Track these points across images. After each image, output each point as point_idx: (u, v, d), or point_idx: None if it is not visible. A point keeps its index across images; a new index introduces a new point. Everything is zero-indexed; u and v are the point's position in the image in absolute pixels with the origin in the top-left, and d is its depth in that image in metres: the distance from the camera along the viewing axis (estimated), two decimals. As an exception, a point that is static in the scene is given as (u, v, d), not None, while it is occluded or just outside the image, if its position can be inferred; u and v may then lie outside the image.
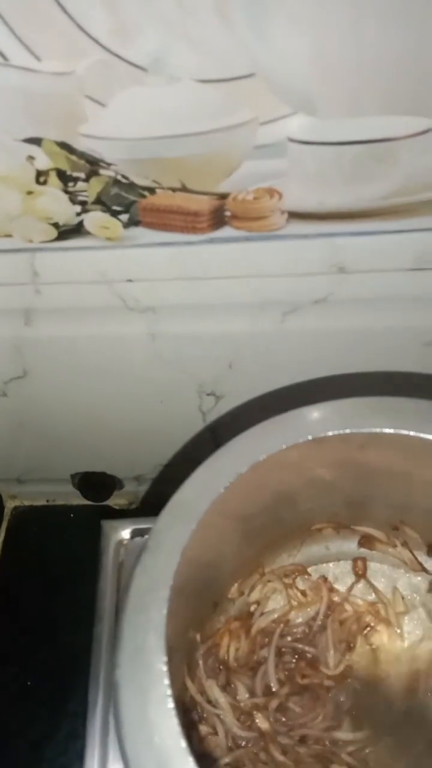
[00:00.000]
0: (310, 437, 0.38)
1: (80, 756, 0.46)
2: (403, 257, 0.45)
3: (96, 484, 0.72)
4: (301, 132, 0.36)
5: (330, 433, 0.38)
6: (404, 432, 0.39)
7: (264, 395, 0.56)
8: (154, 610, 0.33)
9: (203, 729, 0.45)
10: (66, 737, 0.62)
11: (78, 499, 0.74)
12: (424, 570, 0.50)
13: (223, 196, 0.40)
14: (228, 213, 0.41)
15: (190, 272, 0.45)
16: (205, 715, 0.45)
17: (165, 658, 0.31)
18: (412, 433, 0.38)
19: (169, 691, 0.31)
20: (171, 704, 0.30)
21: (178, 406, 0.58)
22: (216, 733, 0.45)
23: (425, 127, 0.37)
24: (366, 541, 0.51)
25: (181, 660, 0.45)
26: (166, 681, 0.31)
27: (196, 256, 0.44)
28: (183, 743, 0.29)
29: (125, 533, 0.54)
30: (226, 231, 0.42)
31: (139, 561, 0.34)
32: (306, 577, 0.51)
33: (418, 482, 0.44)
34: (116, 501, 0.74)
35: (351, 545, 0.52)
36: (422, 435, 0.38)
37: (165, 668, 0.31)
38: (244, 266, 0.45)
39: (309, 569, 0.52)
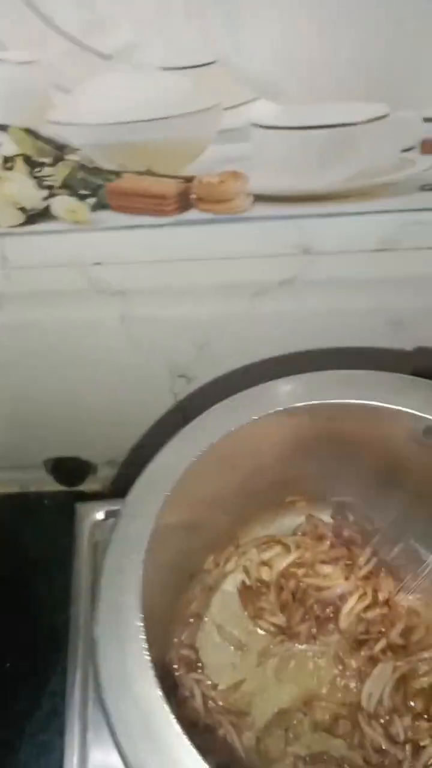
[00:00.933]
0: (280, 408, 0.39)
1: (61, 733, 0.48)
2: (366, 239, 0.46)
3: (69, 469, 0.73)
4: (263, 117, 0.37)
5: (299, 404, 0.39)
6: (372, 403, 0.40)
7: (233, 374, 0.57)
8: (130, 571, 0.34)
9: (181, 694, 0.47)
10: (47, 715, 0.63)
11: (52, 485, 0.74)
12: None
13: (189, 180, 0.41)
14: (194, 196, 0.42)
15: (159, 255, 0.46)
16: (183, 681, 0.47)
17: (141, 615, 0.33)
18: (378, 404, 0.40)
19: (145, 645, 0.32)
20: (147, 657, 0.32)
21: (150, 389, 0.59)
22: (193, 697, 0.47)
23: (382, 112, 0.38)
24: (339, 508, 0.53)
25: (161, 627, 0.46)
26: (143, 636, 0.33)
27: (163, 238, 0.44)
28: (159, 692, 0.31)
29: (99, 515, 0.55)
30: (193, 214, 0.43)
31: (115, 527, 0.36)
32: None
33: (391, 456, 0.46)
34: (90, 486, 0.75)
35: (325, 517, 0.54)
36: (388, 405, 0.40)
37: (141, 624, 0.33)
38: (211, 248, 0.46)
39: (284, 540, 0.54)
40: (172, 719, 0.31)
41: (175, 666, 0.49)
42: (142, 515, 0.37)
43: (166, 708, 0.32)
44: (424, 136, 0.39)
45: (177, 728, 0.31)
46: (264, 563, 0.53)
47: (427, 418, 0.41)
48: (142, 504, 0.37)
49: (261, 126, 0.38)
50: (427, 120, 0.38)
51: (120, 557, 0.36)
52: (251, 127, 0.38)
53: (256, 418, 0.39)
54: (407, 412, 0.40)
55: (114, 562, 0.36)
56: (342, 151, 0.39)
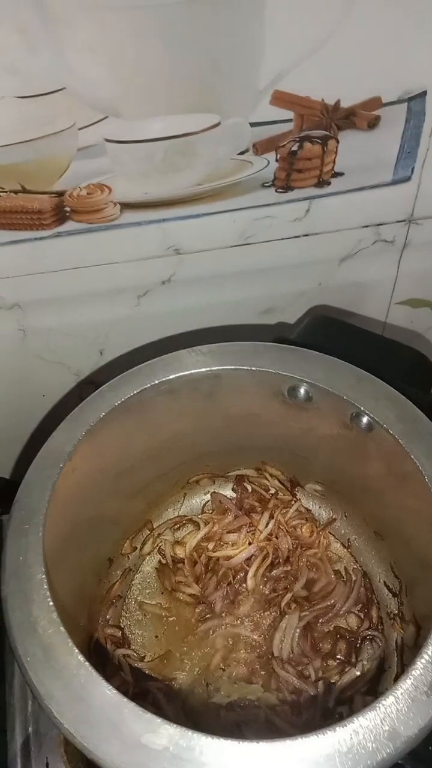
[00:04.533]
0: (156, 381, 0.45)
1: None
2: (227, 235, 0.53)
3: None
4: (113, 133, 0.44)
5: (174, 376, 0.45)
6: (243, 367, 0.46)
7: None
8: (31, 534, 0.38)
9: (111, 668, 0.51)
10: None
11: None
12: (293, 496, 0.57)
13: (60, 194, 0.47)
14: (68, 209, 0.48)
15: (45, 266, 0.51)
16: (112, 657, 0.51)
17: (43, 569, 0.37)
18: (247, 368, 0.46)
19: (48, 593, 0.36)
20: (50, 602, 0.36)
21: (59, 398, 0.64)
22: (122, 670, 0.51)
23: (215, 121, 0.45)
24: (239, 481, 0.58)
25: (86, 610, 0.50)
26: (46, 586, 0.36)
27: (47, 250, 0.50)
28: (62, 628, 0.35)
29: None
30: (70, 225, 0.49)
31: (15, 500, 0.40)
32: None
33: (265, 422, 0.52)
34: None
35: (227, 491, 0.59)
36: (255, 368, 0.45)
37: (44, 576, 0.37)
38: (92, 256, 0.52)
39: (194, 518, 0.58)
40: (72, 648, 0.35)
41: (104, 644, 0.52)
42: (39, 485, 0.41)
43: (70, 642, 0.36)
44: (255, 140, 0.47)
45: (78, 657, 0.35)
46: (178, 542, 0.57)
47: (292, 377, 0.46)
48: (39, 475, 0.41)
49: (112, 141, 0.44)
50: (254, 125, 0.45)
51: (21, 524, 0.40)
52: (105, 142, 0.45)
53: (135, 392, 0.45)
54: (272, 373, 0.46)
55: (16, 529, 0.39)
56: (185, 159, 0.46)
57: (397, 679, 0.34)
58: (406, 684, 0.33)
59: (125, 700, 0.33)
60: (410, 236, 0.55)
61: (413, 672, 0.33)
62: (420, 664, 0.33)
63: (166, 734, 0.32)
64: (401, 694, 0.32)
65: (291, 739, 0.32)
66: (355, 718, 0.32)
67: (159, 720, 0.33)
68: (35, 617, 0.36)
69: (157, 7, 0.38)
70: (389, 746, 0.31)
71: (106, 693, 0.34)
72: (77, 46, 0.39)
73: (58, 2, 0.37)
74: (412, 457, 0.40)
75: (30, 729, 0.52)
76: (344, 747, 0.31)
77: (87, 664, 0.35)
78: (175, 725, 0.32)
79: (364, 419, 0.44)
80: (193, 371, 0.46)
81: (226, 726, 0.48)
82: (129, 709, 0.33)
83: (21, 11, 0.37)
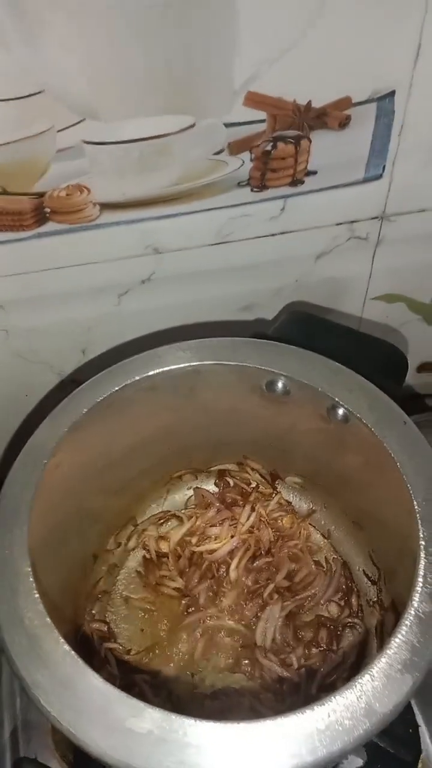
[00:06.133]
0: (137, 377, 0.45)
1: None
2: (205, 234, 0.54)
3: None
4: (91, 135, 0.45)
5: (153, 372, 0.46)
6: (222, 362, 0.47)
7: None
8: (16, 528, 0.39)
9: (98, 662, 0.51)
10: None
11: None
12: (274, 489, 0.58)
13: (40, 195, 0.48)
14: (48, 210, 0.49)
15: (26, 267, 0.52)
16: (98, 650, 0.51)
17: (29, 561, 0.38)
18: (226, 363, 0.47)
19: (34, 586, 0.37)
20: (36, 594, 0.37)
21: (43, 398, 0.64)
22: (108, 664, 0.52)
23: (190, 122, 0.46)
24: (221, 475, 0.59)
25: (72, 605, 0.51)
26: (32, 579, 0.37)
27: (27, 251, 0.51)
28: (48, 619, 0.36)
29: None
30: (50, 226, 0.50)
31: (0, 497, 0.41)
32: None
33: (245, 417, 0.53)
34: None
35: (210, 486, 0.60)
36: (233, 363, 0.47)
37: (29, 569, 0.37)
38: (72, 256, 0.52)
39: (177, 513, 0.59)
40: (58, 637, 0.36)
41: (91, 638, 0.53)
42: (22, 482, 0.42)
43: (55, 632, 0.37)
44: (229, 140, 0.48)
45: (64, 646, 0.36)
46: (162, 537, 0.58)
47: (269, 371, 0.47)
48: (23, 473, 0.42)
49: (90, 143, 0.45)
50: (228, 125, 0.47)
51: (6, 519, 0.41)
52: (83, 144, 0.45)
53: (117, 389, 0.45)
54: (250, 367, 0.47)
55: (2, 523, 0.40)
56: (161, 160, 0.47)
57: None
58: (381, 662, 0.34)
59: (110, 686, 0.34)
60: (383, 233, 0.56)
61: (387, 651, 0.34)
62: (394, 644, 0.34)
63: (150, 718, 0.33)
64: (376, 672, 0.34)
65: (271, 719, 0.33)
66: (332, 697, 0.33)
67: (143, 704, 0.33)
68: (21, 609, 0.37)
69: (132, 8, 0.39)
70: (365, 723, 0.32)
71: (91, 680, 0.35)
72: (54, 49, 0.40)
73: (32, 4, 0.37)
74: (386, 445, 0.42)
75: (19, 721, 0.53)
76: (322, 725, 0.32)
77: (73, 653, 0.36)
78: (158, 709, 0.33)
79: (340, 411, 0.45)
80: (172, 367, 0.47)
81: (212, 714, 0.49)
82: (114, 695, 0.34)
83: (-3, 15, 0.38)
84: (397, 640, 0.35)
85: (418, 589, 0.36)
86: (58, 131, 0.44)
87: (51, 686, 0.34)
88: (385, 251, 0.58)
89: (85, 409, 0.44)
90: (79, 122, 0.44)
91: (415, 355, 0.71)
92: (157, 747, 0.33)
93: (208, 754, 0.32)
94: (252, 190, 0.51)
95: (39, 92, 0.42)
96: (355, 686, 0.33)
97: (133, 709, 0.34)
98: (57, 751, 0.41)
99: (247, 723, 0.33)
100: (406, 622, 0.35)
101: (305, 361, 0.47)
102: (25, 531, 0.39)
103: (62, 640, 0.36)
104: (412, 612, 0.36)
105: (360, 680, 0.33)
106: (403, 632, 0.35)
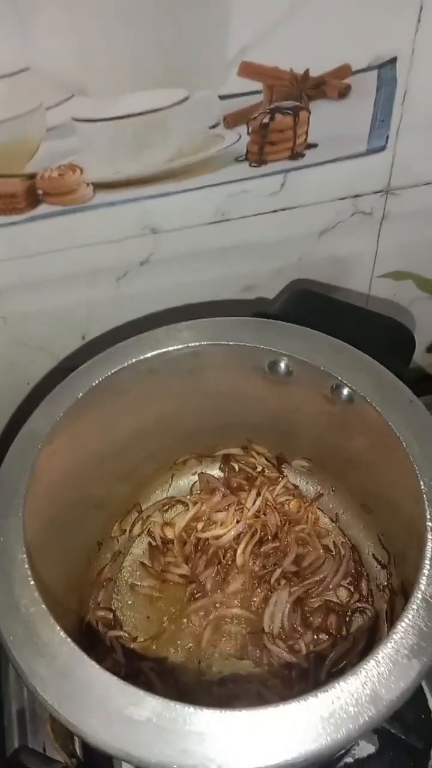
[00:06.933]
0: (133, 360, 0.44)
1: None
2: (203, 212, 0.52)
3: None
4: (81, 112, 0.44)
5: (151, 354, 0.45)
6: (222, 342, 0.46)
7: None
8: (11, 516, 0.38)
9: (103, 649, 0.51)
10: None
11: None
12: (280, 473, 0.57)
13: (32, 176, 0.47)
14: (41, 191, 0.48)
15: (21, 251, 0.51)
16: (104, 638, 0.51)
17: (24, 549, 0.37)
18: (230, 343, 0.45)
19: (29, 572, 0.36)
20: (32, 582, 0.36)
21: (42, 384, 0.63)
22: (114, 651, 0.51)
23: (183, 96, 0.45)
24: (226, 460, 0.58)
25: (76, 593, 0.50)
26: (27, 566, 0.36)
27: (22, 234, 0.50)
28: (44, 606, 0.35)
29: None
30: (44, 208, 0.49)
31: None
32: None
33: (248, 400, 0.52)
34: None
35: (215, 471, 0.59)
36: (238, 343, 0.45)
37: (24, 557, 0.37)
38: (67, 239, 0.51)
39: (183, 499, 0.58)
40: (54, 625, 0.35)
41: (96, 626, 0.52)
42: (17, 468, 0.41)
43: (52, 620, 0.36)
44: (224, 113, 0.46)
45: (61, 634, 0.35)
46: (167, 523, 0.57)
47: (270, 350, 0.46)
48: (18, 459, 0.41)
49: (81, 120, 0.44)
50: (223, 97, 0.45)
51: (1, 507, 0.40)
52: (74, 122, 0.44)
53: (114, 371, 0.44)
54: (250, 347, 0.46)
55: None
56: (155, 135, 0.46)
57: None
58: (387, 648, 0.33)
59: (108, 674, 0.33)
60: (388, 207, 0.54)
61: (394, 636, 0.33)
62: (401, 628, 0.33)
63: (149, 706, 0.32)
64: (382, 657, 0.32)
65: (273, 707, 0.32)
66: (336, 684, 0.32)
67: (142, 692, 0.33)
68: (17, 597, 0.36)
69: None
70: (371, 710, 0.31)
71: (89, 669, 0.34)
72: (41, 25, 0.38)
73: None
74: (391, 425, 0.40)
75: (27, 714, 0.53)
76: (326, 712, 0.31)
77: (69, 640, 0.35)
78: (158, 697, 0.32)
79: (345, 391, 0.44)
80: (170, 348, 0.46)
81: (219, 701, 0.48)
82: (112, 683, 0.33)
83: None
84: (403, 624, 0.33)
85: (426, 572, 0.35)
86: (47, 109, 0.43)
87: (48, 675, 0.34)
88: (391, 226, 0.56)
89: (81, 394, 0.43)
90: (68, 99, 0.43)
91: (425, 335, 0.70)
92: (157, 735, 0.32)
93: (210, 742, 0.31)
94: (250, 165, 0.49)
95: (25, 69, 0.41)
96: (360, 672, 0.32)
97: (133, 697, 0.33)
98: (57, 741, 0.40)
99: (250, 710, 0.32)
100: (414, 606, 0.34)
101: (307, 339, 0.45)
102: (20, 517, 0.39)
103: (58, 627, 0.36)
104: (420, 596, 0.35)
105: (365, 666, 0.32)
106: (410, 616, 0.34)
